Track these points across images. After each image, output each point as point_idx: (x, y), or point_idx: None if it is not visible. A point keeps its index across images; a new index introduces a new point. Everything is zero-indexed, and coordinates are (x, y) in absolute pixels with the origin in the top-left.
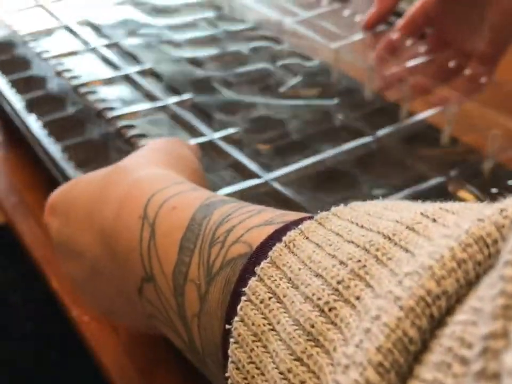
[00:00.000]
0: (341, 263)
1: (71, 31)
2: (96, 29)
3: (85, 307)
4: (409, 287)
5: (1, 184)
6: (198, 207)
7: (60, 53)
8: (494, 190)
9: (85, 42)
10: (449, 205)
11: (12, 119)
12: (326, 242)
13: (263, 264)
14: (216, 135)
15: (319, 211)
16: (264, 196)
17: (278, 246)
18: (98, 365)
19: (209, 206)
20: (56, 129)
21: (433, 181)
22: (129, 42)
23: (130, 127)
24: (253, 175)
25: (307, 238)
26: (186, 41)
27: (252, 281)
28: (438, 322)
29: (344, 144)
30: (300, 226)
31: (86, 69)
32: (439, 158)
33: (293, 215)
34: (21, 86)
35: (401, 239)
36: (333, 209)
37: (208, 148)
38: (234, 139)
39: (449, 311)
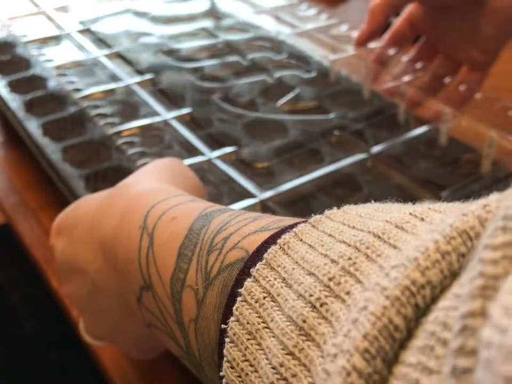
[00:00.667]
0: (333, 261)
1: (72, 39)
2: (97, 37)
3: (88, 333)
4: (395, 278)
5: (1, 184)
6: (197, 217)
7: (60, 60)
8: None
9: (85, 51)
10: (437, 205)
11: (11, 119)
12: (319, 243)
13: (258, 265)
14: (214, 154)
15: (312, 215)
16: None
17: (273, 249)
18: (99, 365)
19: (207, 215)
20: (54, 129)
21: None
22: (130, 51)
23: (131, 143)
24: (247, 194)
25: (301, 239)
26: (186, 51)
27: (248, 282)
28: (423, 312)
29: (339, 161)
30: (294, 229)
31: (86, 79)
32: (435, 175)
33: (288, 221)
34: (20, 86)
35: (390, 237)
36: (326, 212)
37: (205, 167)
38: (230, 157)
39: (434, 301)
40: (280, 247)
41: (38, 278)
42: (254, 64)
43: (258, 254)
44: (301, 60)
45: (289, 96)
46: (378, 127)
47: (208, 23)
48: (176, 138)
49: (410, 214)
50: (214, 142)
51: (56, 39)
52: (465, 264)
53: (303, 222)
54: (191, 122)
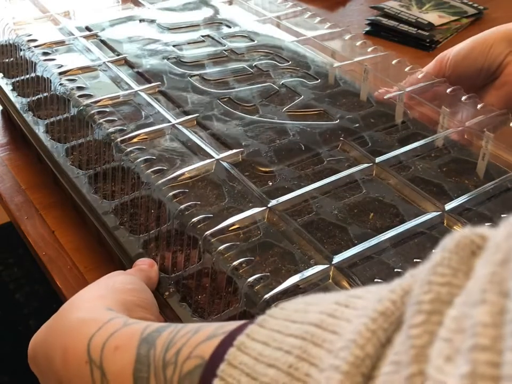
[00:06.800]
0: (287, 352)
1: (78, 44)
2: (103, 42)
3: None
4: (343, 357)
5: (6, 184)
6: (139, 342)
7: (66, 66)
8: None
9: (91, 56)
10: (354, 292)
11: (16, 120)
12: (271, 339)
13: (222, 366)
14: (221, 156)
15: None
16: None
17: (231, 350)
18: None
19: (148, 338)
20: (58, 131)
21: (430, 215)
22: (136, 58)
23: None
24: (255, 201)
25: (253, 339)
26: (192, 58)
27: (216, 382)
28: (367, 378)
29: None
30: (245, 331)
31: (91, 84)
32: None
33: (230, 325)
34: (25, 88)
35: (328, 325)
36: (267, 312)
37: (215, 169)
38: (236, 160)
39: (374, 367)
40: (238, 348)
41: (42, 276)
42: (259, 71)
43: (215, 358)
44: (304, 67)
45: (293, 103)
46: (385, 137)
47: (213, 31)
48: (184, 145)
49: (336, 303)
50: (220, 146)
51: (62, 43)
52: (389, 335)
53: (249, 323)
54: (196, 125)
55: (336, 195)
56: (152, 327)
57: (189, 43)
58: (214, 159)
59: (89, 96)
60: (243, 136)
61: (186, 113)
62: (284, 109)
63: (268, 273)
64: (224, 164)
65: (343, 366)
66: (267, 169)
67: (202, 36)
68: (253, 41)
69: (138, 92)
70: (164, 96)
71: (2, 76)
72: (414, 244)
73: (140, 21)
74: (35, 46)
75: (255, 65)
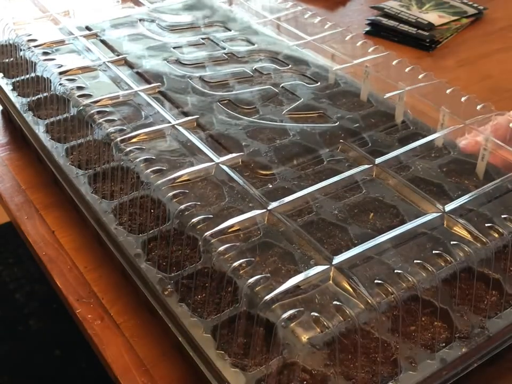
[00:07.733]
0: None
1: (77, 43)
2: (104, 43)
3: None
4: None
5: (6, 184)
6: None
7: (66, 65)
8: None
9: (92, 56)
10: None
11: (16, 120)
12: None
13: None
14: (220, 159)
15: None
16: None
17: None
18: (102, 362)
19: None
20: (58, 131)
21: (430, 216)
22: (136, 59)
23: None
24: (254, 203)
25: None
26: (192, 60)
27: None
28: None
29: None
30: None
31: (91, 84)
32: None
33: None
34: (25, 88)
35: None
36: None
37: (215, 172)
38: (236, 163)
39: None
40: None
41: (42, 277)
42: (259, 74)
43: None
44: (304, 70)
45: (293, 105)
46: (386, 139)
47: (213, 33)
48: (182, 145)
49: None
50: (220, 148)
51: (62, 43)
52: None
53: None
54: (197, 127)
55: (336, 195)
56: None
57: (189, 45)
58: (214, 163)
59: (89, 96)
60: (243, 138)
61: (186, 114)
62: (284, 111)
63: (268, 274)
64: (224, 167)
65: None
66: (267, 172)
67: (202, 39)
68: (253, 44)
69: (138, 92)
70: (163, 96)
71: (2, 75)
72: (414, 245)
73: (140, 20)
74: (35, 46)
75: (255, 68)
